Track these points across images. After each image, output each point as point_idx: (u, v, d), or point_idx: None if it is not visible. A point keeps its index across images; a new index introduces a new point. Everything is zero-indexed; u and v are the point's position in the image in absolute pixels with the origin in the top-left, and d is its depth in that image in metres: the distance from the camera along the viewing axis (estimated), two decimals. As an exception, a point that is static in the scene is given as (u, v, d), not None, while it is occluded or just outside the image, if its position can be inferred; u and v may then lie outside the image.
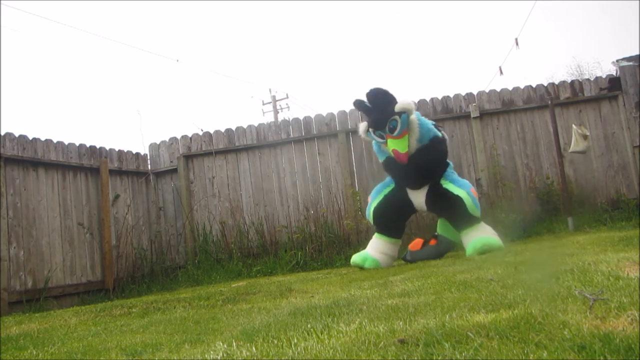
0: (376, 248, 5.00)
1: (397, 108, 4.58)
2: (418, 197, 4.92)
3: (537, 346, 1.27)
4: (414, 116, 4.70)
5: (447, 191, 4.73)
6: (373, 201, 5.08)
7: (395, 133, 4.59)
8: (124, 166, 7.31)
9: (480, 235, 4.62)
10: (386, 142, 4.68)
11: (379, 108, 4.66)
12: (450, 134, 7.33)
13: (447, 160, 5.04)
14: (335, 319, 1.99)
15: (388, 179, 5.18)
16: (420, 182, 4.89)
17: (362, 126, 4.88)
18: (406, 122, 4.62)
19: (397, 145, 4.59)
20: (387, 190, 5.06)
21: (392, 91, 4.73)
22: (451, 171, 5.00)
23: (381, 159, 5.11)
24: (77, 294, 6.19)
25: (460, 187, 4.73)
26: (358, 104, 4.79)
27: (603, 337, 1.24)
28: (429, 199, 4.85)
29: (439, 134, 4.93)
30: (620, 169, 7.02)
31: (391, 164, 4.93)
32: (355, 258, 5.02)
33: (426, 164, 4.78)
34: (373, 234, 5.17)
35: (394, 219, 5.04)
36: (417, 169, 4.76)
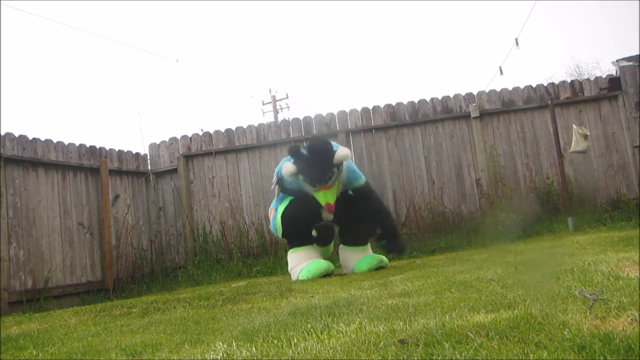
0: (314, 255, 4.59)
1: (336, 160, 4.28)
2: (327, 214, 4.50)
3: (537, 346, 1.27)
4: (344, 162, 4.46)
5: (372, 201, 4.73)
6: (277, 214, 4.62)
7: (329, 183, 4.32)
8: (123, 166, 7.30)
9: (372, 254, 4.75)
10: (317, 190, 4.32)
11: (319, 162, 4.27)
12: (450, 134, 7.34)
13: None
14: (335, 319, 1.99)
15: (280, 201, 4.70)
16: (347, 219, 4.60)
17: (289, 168, 4.34)
18: (340, 172, 4.39)
19: (328, 197, 4.29)
20: (287, 203, 4.58)
21: (332, 144, 4.43)
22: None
23: (289, 186, 4.56)
24: (77, 294, 6.19)
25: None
26: (295, 152, 4.32)
27: (603, 337, 1.24)
28: (344, 207, 4.51)
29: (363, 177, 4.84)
30: (620, 169, 7.02)
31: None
32: (315, 268, 4.38)
33: (365, 207, 4.60)
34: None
35: (305, 228, 4.53)
36: (351, 213, 4.53)
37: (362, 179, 4.76)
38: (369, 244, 4.92)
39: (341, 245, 4.91)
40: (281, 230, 4.58)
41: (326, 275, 4.37)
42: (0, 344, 2.60)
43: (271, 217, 4.76)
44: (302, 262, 4.53)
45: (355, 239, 4.75)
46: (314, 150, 4.30)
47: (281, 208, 4.57)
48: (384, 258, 4.72)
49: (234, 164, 7.62)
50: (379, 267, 4.58)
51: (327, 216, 4.55)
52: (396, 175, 7.30)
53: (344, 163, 4.47)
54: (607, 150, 7.07)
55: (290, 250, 4.67)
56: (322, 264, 4.43)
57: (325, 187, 4.31)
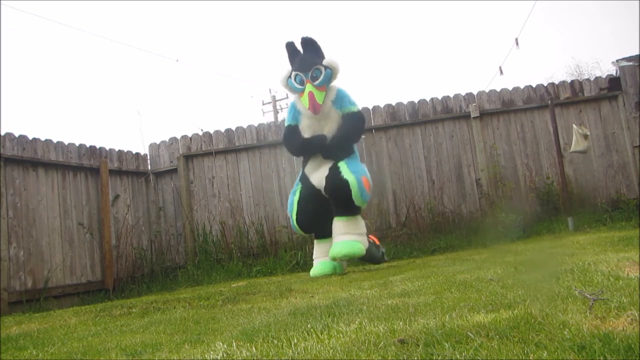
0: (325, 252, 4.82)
1: (324, 61, 4.74)
2: (319, 177, 4.74)
3: (537, 346, 1.27)
4: (336, 84, 4.86)
5: (338, 172, 4.61)
6: (291, 215, 4.90)
7: (317, 83, 4.69)
8: (124, 166, 7.30)
9: (344, 240, 4.54)
10: (303, 91, 4.69)
11: (309, 53, 4.80)
12: (450, 134, 7.34)
13: (355, 149, 4.97)
14: (335, 319, 1.99)
15: (295, 186, 5.00)
16: (330, 149, 4.75)
17: (284, 73, 4.87)
18: (328, 79, 4.76)
19: (315, 92, 4.64)
20: (297, 198, 4.86)
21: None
22: (355, 157, 4.90)
23: (288, 123, 4.99)
24: (77, 294, 6.19)
25: (351, 172, 4.59)
26: (290, 44, 4.88)
27: (603, 337, 1.24)
28: (327, 179, 4.67)
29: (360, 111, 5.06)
30: (620, 169, 7.02)
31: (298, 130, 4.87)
32: (320, 269, 4.73)
33: (347, 131, 4.78)
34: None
35: (319, 220, 4.81)
36: (334, 134, 4.76)
37: (355, 107, 4.92)
38: (359, 218, 4.72)
39: None
40: (301, 232, 5.12)
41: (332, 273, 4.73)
42: (0, 344, 2.60)
43: (290, 220, 5.12)
44: (317, 257, 4.95)
45: (336, 207, 4.66)
46: (304, 40, 4.83)
47: (294, 215, 4.89)
48: (356, 248, 4.52)
49: (234, 164, 7.62)
50: (348, 257, 4.55)
51: (321, 187, 4.79)
52: (396, 175, 7.31)
53: (335, 85, 4.86)
54: (607, 150, 7.07)
55: (315, 241, 5.09)
56: (327, 266, 4.77)
57: (312, 84, 4.68)
